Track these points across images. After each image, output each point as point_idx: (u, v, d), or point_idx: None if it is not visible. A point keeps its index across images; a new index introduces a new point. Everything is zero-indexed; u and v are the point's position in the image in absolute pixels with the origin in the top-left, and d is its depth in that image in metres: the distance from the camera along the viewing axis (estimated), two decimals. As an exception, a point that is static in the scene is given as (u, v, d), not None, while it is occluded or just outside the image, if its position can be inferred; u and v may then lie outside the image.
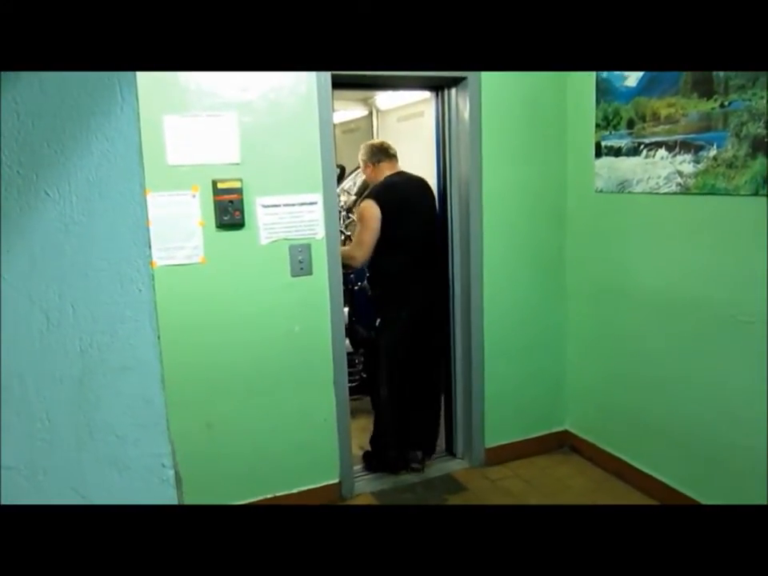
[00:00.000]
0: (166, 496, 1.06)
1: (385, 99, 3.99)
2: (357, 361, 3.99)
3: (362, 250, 3.06)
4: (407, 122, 3.78)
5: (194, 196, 2.55)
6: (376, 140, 3.55)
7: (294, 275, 2.74)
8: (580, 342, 3.29)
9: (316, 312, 2.81)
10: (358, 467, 3.22)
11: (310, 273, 2.77)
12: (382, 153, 3.22)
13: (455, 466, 3.30)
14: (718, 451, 2.55)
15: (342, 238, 3.67)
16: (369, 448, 3.36)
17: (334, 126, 4.78)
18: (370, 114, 4.26)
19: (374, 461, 3.29)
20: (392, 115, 4.01)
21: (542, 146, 3.15)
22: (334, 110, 4.57)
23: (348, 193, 3.83)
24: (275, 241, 2.69)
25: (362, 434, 3.64)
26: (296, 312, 2.77)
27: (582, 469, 3.17)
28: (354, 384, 3.83)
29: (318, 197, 2.75)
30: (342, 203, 3.84)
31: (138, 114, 0.99)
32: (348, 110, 4.41)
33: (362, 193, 3.64)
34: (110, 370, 1.00)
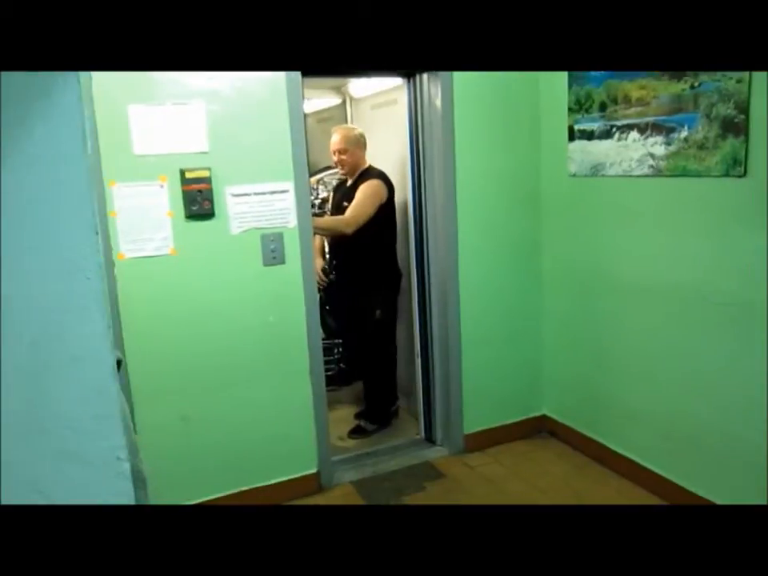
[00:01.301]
0: (121, 489, 1.03)
1: (358, 87, 3.94)
2: (336, 350, 3.96)
3: (359, 221, 3.22)
4: (381, 110, 3.74)
5: (161, 186, 2.51)
6: (360, 129, 3.53)
7: (266, 264, 2.71)
8: (557, 327, 3.29)
9: (290, 301, 2.78)
10: (336, 457, 3.20)
11: (282, 262, 2.73)
12: (365, 144, 3.42)
13: (434, 453, 3.29)
14: (698, 435, 2.56)
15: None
16: (359, 422, 3.60)
17: (307, 115, 4.75)
18: (344, 102, 4.22)
19: (373, 423, 3.57)
20: (366, 103, 3.97)
21: (515, 132, 3.13)
22: (306, 99, 4.55)
23: (326, 186, 3.79)
24: (246, 230, 2.66)
25: (339, 424, 3.64)
26: (270, 302, 2.74)
27: (561, 453, 3.17)
28: (330, 373, 3.81)
29: (290, 185, 2.71)
30: (319, 194, 3.80)
31: (81, 95, 0.95)
32: (322, 98, 4.36)
33: (338, 189, 3.62)
34: (61, 361, 0.97)
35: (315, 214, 3.61)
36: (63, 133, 0.95)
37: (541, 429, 3.41)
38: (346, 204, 3.38)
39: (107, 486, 1.02)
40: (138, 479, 1.38)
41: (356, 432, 3.55)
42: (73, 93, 0.96)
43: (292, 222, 2.73)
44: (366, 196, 3.27)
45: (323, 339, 3.74)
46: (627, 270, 2.82)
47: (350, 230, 3.22)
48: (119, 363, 1.52)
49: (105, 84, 2.36)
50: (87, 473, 1.01)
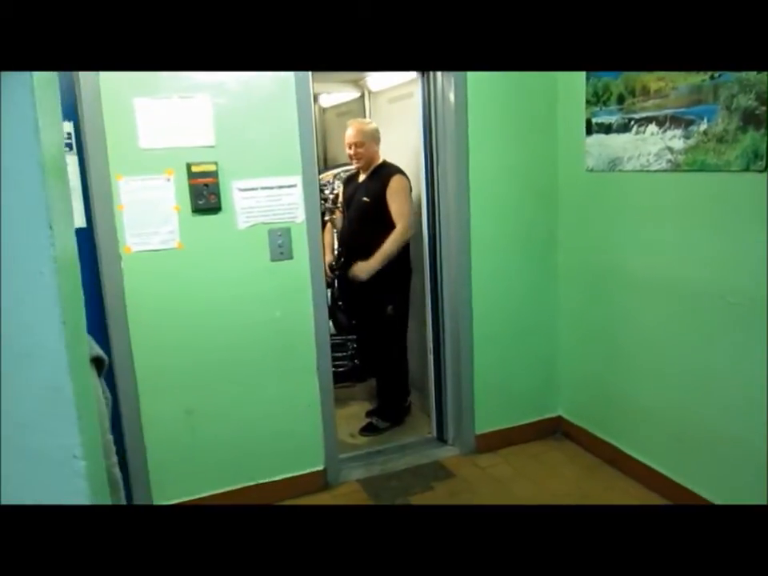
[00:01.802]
0: (77, 488, 1.01)
1: (376, 80, 3.90)
2: (349, 347, 3.93)
3: (410, 220, 3.26)
4: (397, 104, 3.70)
5: (168, 180, 2.50)
6: (374, 123, 3.49)
7: (273, 260, 2.69)
8: (573, 326, 3.20)
9: (297, 297, 2.75)
10: (345, 455, 3.18)
11: (290, 257, 2.71)
12: (379, 139, 3.42)
13: (445, 452, 3.24)
14: (712, 440, 2.46)
15: (327, 218, 3.61)
16: (371, 420, 3.56)
17: (326, 109, 4.73)
18: (362, 95, 4.18)
19: (386, 421, 3.54)
20: (383, 96, 3.92)
21: (531, 125, 3.05)
22: (326, 93, 4.53)
23: (339, 180, 3.76)
24: (253, 225, 2.64)
25: (351, 421, 3.61)
26: (277, 297, 2.72)
27: (573, 455, 3.09)
28: (343, 369, 3.79)
29: (298, 179, 2.68)
30: (334, 189, 3.76)
31: (34, 90, 0.93)
32: (341, 92, 4.33)
33: (348, 183, 3.59)
34: (12, 358, 0.95)
35: (329, 209, 3.59)
36: (14, 128, 0.93)
37: (556, 430, 3.33)
38: (365, 199, 3.34)
39: (62, 485, 1.01)
40: (111, 481, 1.36)
41: (367, 430, 3.52)
42: (25, 88, 0.94)
43: (300, 216, 2.71)
44: (401, 196, 3.28)
45: (335, 335, 3.74)
46: (644, 267, 2.72)
47: (411, 232, 3.28)
48: (101, 362, 1.51)
49: (111, 78, 2.36)
50: (41, 471, 1.00)
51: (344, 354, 3.88)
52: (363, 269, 3.28)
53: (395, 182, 3.26)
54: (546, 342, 3.25)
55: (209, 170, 2.52)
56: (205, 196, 2.53)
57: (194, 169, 2.50)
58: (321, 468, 2.90)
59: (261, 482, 2.78)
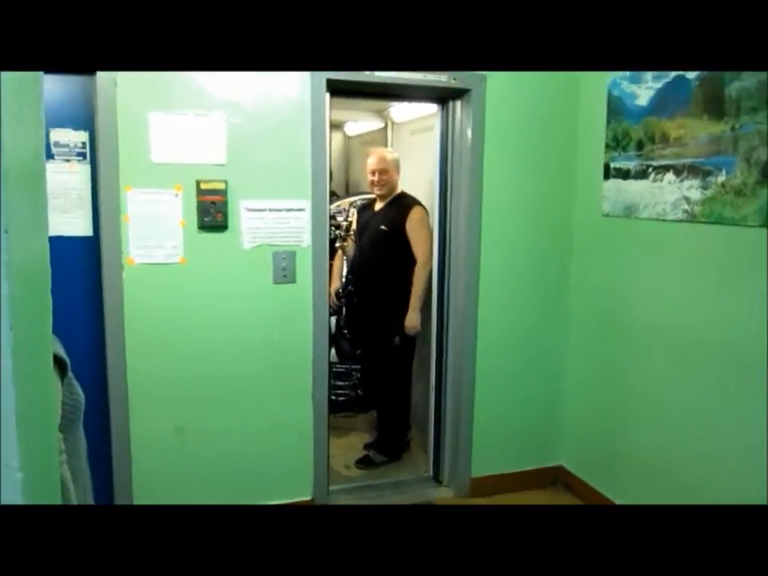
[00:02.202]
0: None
1: (399, 111, 3.91)
2: (353, 376, 3.88)
3: (431, 252, 3.19)
4: (418, 136, 3.69)
5: (176, 195, 2.51)
6: (396, 153, 3.50)
7: (276, 282, 2.67)
8: (580, 372, 3.11)
9: (297, 321, 2.72)
10: (337, 486, 3.11)
11: (293, 281, 2.69)
12: (399, 169, 3.42)
13: (439, 493, 3.16)
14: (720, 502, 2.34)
15: (338, 245, 3.59)
16: (367, 452, 3.50)
17: (351, 138, 4.76)
18: (386, 126, 4.19)
19: (384, 455, 3.46)
20: (406, 128, 3.93)
21: (550, 164, 3.01)
22: (353, 121, 4.56)
23: (354, 208, 3.75)
24: (258, 245, 2.63)
25: (348, 451, 3.55)
26: (276, 320, 2.69)
27: (571, 508, 2.98)
28: (344, 399, 3.73)
29: (307, 203, 2.67)
30: (348, 217, 3.75)
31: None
32: (366, 121, 4.35)
33: (362, 212, 3.57)
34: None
35: (340, 237, 3.57)
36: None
37: (556, 480, 3.21)
38: (383, 227, 3.32)
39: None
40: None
41: (363, 462, 3.45)
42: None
43: (306, 241, 2.69)
44: (422, 229, 3.27)
45: (339, 364, 3.69)
46: (657, 319, 2.63)
47: (431, 265, 3.22)
48: (63, 364, 1.47)
49: (128, 90, 2.39)
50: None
51: (347, 382, 3.83)
52: (414, 321, 3.26)
53: (416, 214, 3.24)
54: (550, 386, 3.16)
55: (218, 188, 2.53)
56: (212, 213, 2.52)
57: (203, 186, 2.51)
58: (308, 498, 2.84)
59: (245, 505, 2.72)
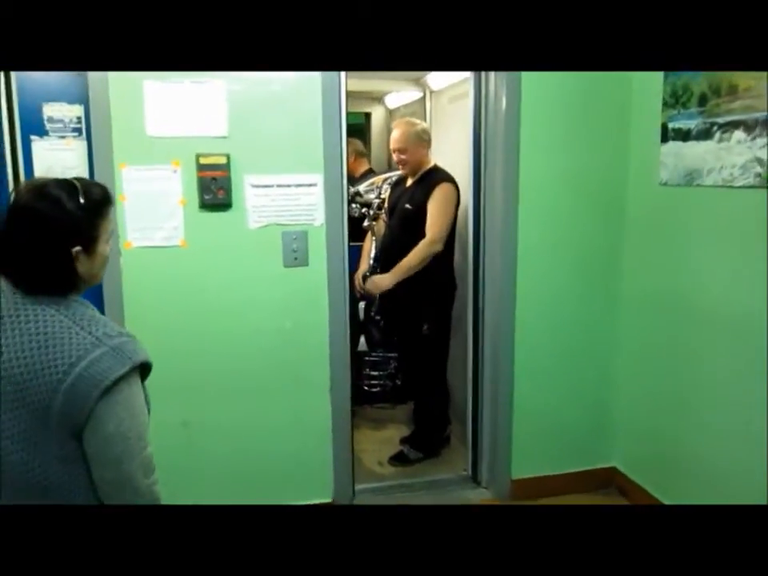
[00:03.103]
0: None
1: (436, 79, 3.59)
2: (390, 365, 3.62)
3: (444, 234, 2.92)
4: (456, 103, 3.37)
5: (174, 171, 2.31)
6: (423, 124, 3.19)
7: (286, 265, 2.44)
8: (635, 363, 2.74)
9: (312, 308, 2.49)
10: (365, 485, 2.87)
11: (305, 264, 2.45)
12: (428, 140, 3.11)
13: (477, 495, 2.87)
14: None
15: (366, 224, 3.31)
16: (402, 449, 3.24)
17: (392, 111, 4.46)
18: (424, 95, 3.88)
19: (419, 451, 3.21)
20: (444, 96, 3.61)
21: (598, 129, 2.64)
22: (395, 92, 4.27)
23: (388, 184, 3.45)
24: (266, 225, 2.40)
25: (383, 446, 3.33)
26: (288, 306, 2.47)
27: (624, 517, 2.63)
28: (379, 389, 3.49)
29: (319, 178, 2.42)
30: (381, 194, 3.46)
31: None
32: (404, 91, 4.05)
33: (395, 188, 3.28)
34: None
35: (369, 216, 3.29)
36: None
37: (609, 484, 2.87)
38: (408, 206, 3.04)
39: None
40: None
41: (397, 459, 3.20)
42: None
43: (319, 219, 2.44)
44: (442, 205, 2.93)
45: (372, 352, 3.45)
46: (725, 303, 2.25)
47: (439, 247, 2.90)
48: (145, 368, 1.32)
49: (119, 59, 2.20)
50: None
51: (383, 372, 3.57)
52: (377, 284, 2.98)
53: (439, 191, 2.93)
54: (601, 379, 2.81)
55: (219, 163, 2.31)
56: (213, 191, 2.31)
57: (203, 161, 2.30)
58: (328, 500, 2.61)
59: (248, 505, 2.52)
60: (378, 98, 4.40)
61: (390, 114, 4.45)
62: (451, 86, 3.41)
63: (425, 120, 3.76)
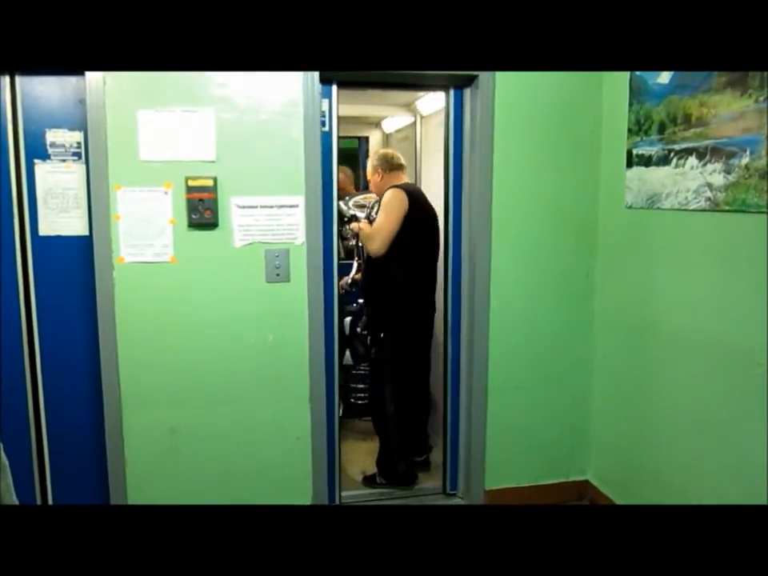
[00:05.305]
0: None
1: (425, 104, 3.75)
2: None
3: (381, 237, 2.94)
4: (442, 128, 3.52)
5: (166, 193, 2.48)
6: (388, 149, 3.42)
7: (269, 281, 2.58)
8: (608, 379, 2.84)
9: (292, 322, 2.63)
10: (349, 492, 2.99)
11: (287, 279, 2.60)
12: (391, 163, 3.23)
13: (453, 503, 2.97)
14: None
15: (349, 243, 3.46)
16: (373, 470, 3.22)
17: (390, 135, 4.62)
18: (415, 120, 4.04)
19: (384, 479, 3.16)
20: (432, 120, 3.77)
21: (571, 154, 2.77)
22: (390, 117, 4.43)
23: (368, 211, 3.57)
24: (250, 243, 2.55)
25: (370, 457, 3.41)
26: (270, 320, 2.61)
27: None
28: (364, 402, 3.61)
29: (300, 200, 2.57)
30: (373, 213, 3.59)
31: None
32: (399, 116, 4.21)
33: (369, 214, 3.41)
34: None
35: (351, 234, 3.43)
36: None
37: (582, 496, 2.95)
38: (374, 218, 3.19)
39: None
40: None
41: (370, 480, 3.21)
42: None
43: (300, 238, 2.59)
44: (382, 208, 3.02)
45: (359, 366, 3.57)
46: (687, 322, 2.34)
47: (373, 246, 2.96)
48: None
49: (116, 88, 2.38)
50: None
51: (367, 386, 3.69)
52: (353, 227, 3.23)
53: (385, 196, 3.02)
54: (575, 395, 2.91)
55: (206, 185, 2.47)
56: (200, 211, 2.48)
57: (191, 183, 2.46)
58: (306, 504, 2.73)
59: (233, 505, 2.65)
60: (376, 123, 4.57)
61: (387, 137, 4.61)
62: (438, 111, 3.56)
63: (415, 143, 3.93)
